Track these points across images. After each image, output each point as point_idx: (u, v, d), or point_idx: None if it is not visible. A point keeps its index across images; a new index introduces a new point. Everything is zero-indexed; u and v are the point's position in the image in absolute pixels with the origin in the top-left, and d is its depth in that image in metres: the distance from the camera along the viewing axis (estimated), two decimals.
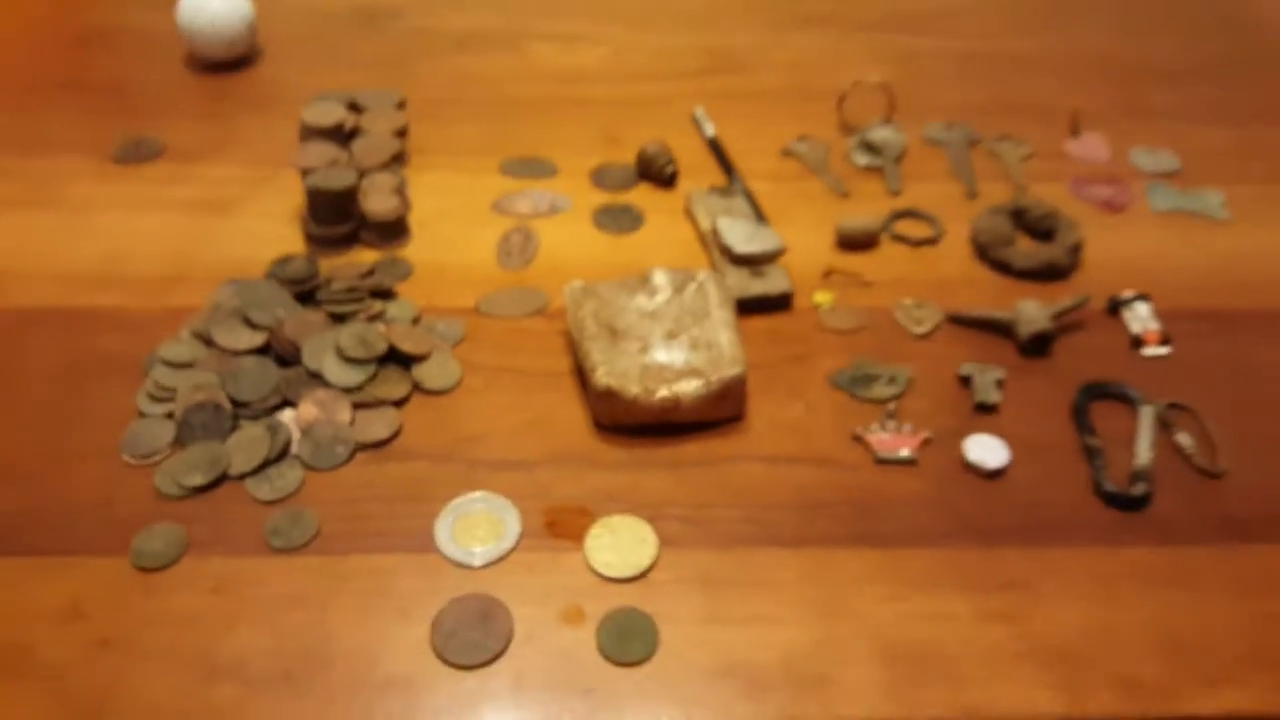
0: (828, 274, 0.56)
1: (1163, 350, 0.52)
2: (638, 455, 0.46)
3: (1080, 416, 0.48)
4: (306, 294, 0.50)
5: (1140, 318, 0.54)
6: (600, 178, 0.64)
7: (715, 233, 0.56)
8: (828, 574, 0.41)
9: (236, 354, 0.47)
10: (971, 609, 0.40)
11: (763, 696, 0.37)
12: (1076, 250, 0.56)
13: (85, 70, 0.72)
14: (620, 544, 0.42)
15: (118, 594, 0.39)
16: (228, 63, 0.72)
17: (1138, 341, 0.53)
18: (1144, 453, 0.46)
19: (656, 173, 0.63)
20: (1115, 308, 0.54)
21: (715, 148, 0.66)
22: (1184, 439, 0.47)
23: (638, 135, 0.67)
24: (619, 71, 0.74)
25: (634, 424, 0.46)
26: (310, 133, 0.61)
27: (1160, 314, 0.54)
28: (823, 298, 0.55)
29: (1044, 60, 0.77)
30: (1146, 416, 0.48)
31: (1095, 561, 0.42)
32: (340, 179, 0.54)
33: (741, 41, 0.78)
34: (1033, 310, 0.51)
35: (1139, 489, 0.45)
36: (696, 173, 0.64)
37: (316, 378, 0.46)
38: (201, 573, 0.40)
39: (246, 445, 0.43)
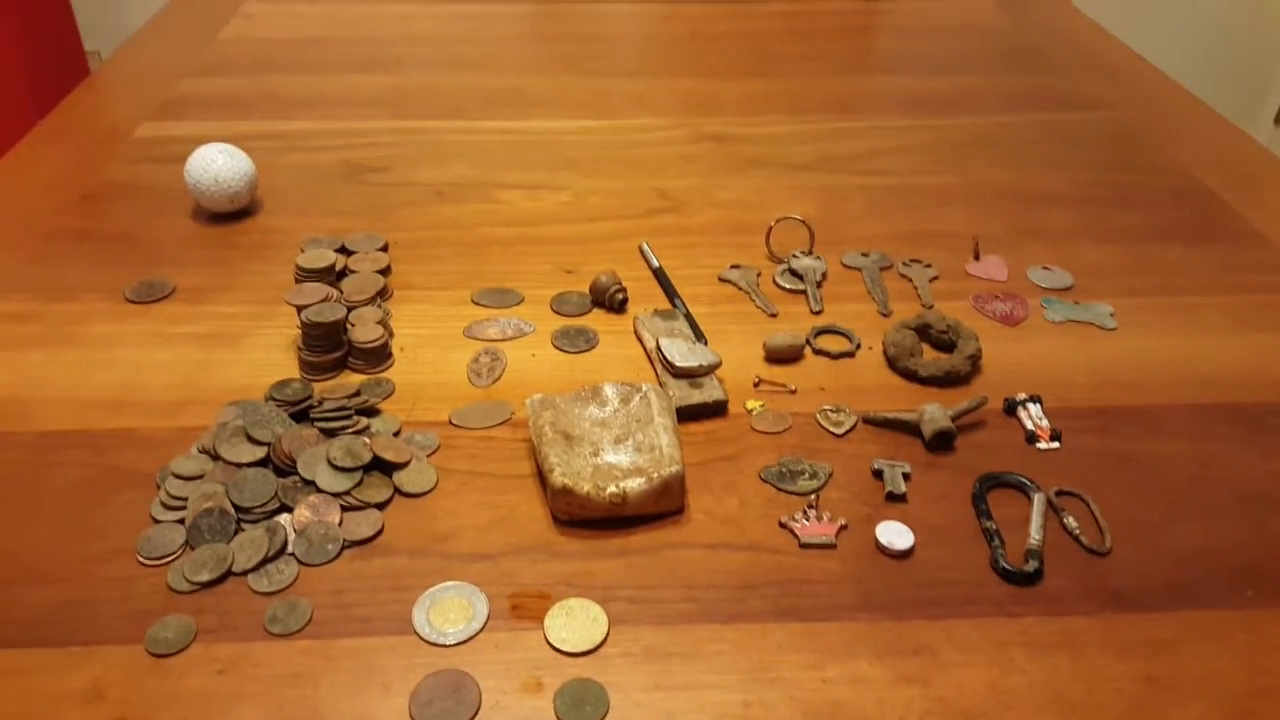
0: (757, 384, 0.64)
1: (1054, 445, 0.60)
2: (591, 545, 0.52)
3: (979, 503, 0.55)
4: (301, 413, 0.57)
5: (1033, 416, 0.61)
6: (559, 304, 0.72)
7: (659, 350, 0.64)
8: (757, 645, 0.47)
9: (240, 466, 0.53)
10: (883, 673, 0.46)
11: None
12: (975, 359, 0.65)
13: (101, 222, 0.79)
14: (575, 623, 0.47)
15: (134, 677, 0.44)
16: (231, 214, 0.81)
17: (1031, 437, 0.60)
18: (1036, 533, 0.53)
19: (608, 299, 0.71)
20: (1011, 408, 0.62)
21: (659, 276, 0.74)
22: (1071, 521, 0.54)
23: (592, 267, 0.75)
24: (577, 214, 0.83)
25: (587, 518, 0.53)
26: (305, 274, 0.69)
27: (1052, 413, 0.62)
28: (753, 404, 0.62)
29: (953, 194, 0.87)
30: (1038, 502, 0.55)
31: (993, 630, 0.48)
32: (332, 313, 0.62)
33: (687, 184, 0.88)
34: (935, 411, 0.59)
35: (1031, 565, 0.51)
36: (644, 299, 0.72)
37: (310, 485, 0.53)
38: (209, 657, 0.45)
39: (248, 545, 0.49)
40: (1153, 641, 0.47)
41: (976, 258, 0.78)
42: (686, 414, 0.60)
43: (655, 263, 0.76)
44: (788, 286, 0.74)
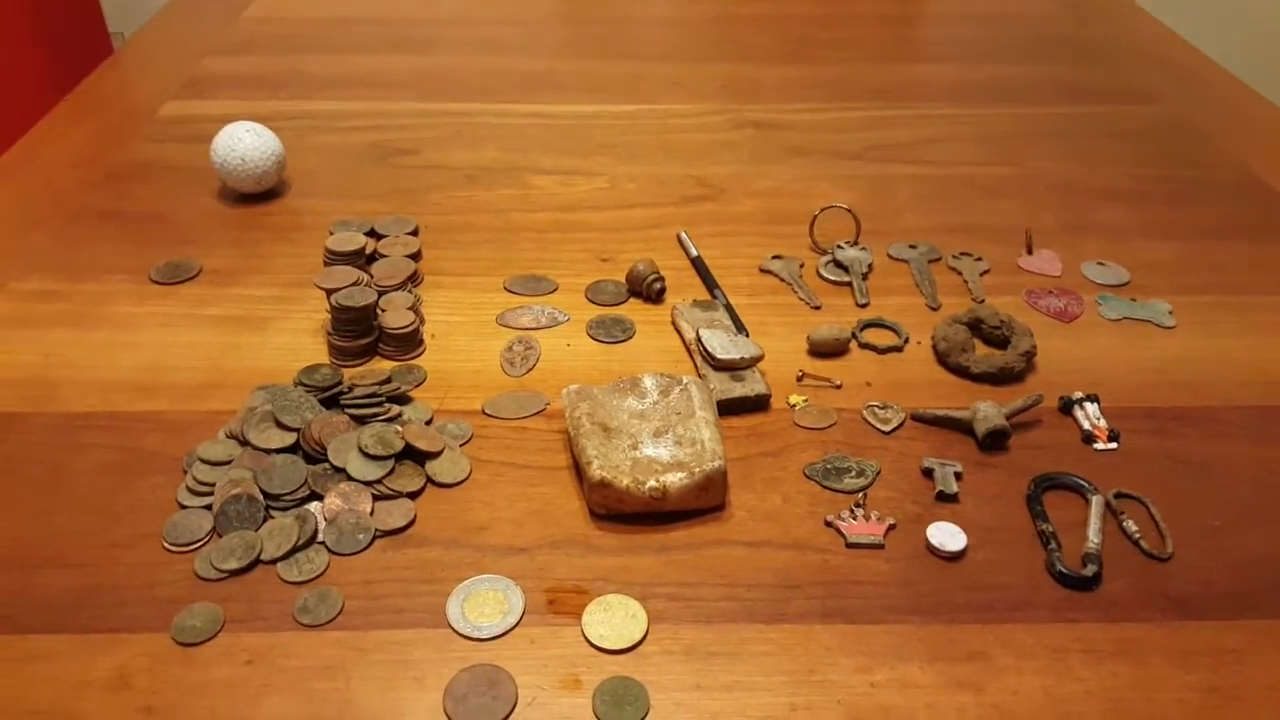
0: (800, 378, 0.62)
1: (1111, 446, 0.57)
2: (629, 541, 0.50)
3: (1034, 504, 0.52)
4: (331, 399, 0.56)
5: (1090, 416, 0.59)
6: (595, 293, 0.70)
7: (699, 341, 0.62)
8: (802, 647, 0.45)
9: (269, 452, 0.52)
10: (934, 678, 0.44)
11: None
12: (1029, 356, 0.62)
13: (127, 202, 0.78)
14: (613, 619, 0.45)
15: (160, 666, 0.43)
16: (258, 195, 0.80)
17: (1089, 437, 0.57)
18: (1094, 537, 0.51)
19: (645, 289, 0.69)
20: (1067, 407, 0.59)
21: (698, 265, 0.72)
22: (1131, 525, 0.52)
23: (629, 256, 0.73)
24: (613, 200, 0.81)
25: (626, 512, 0.51)
26: (334, 257, 0.67)
27: (1109, 413, 0.59)
28: (796, 399, 0.60)
29: (1005, 186, 0.84)
30: (1096, 504, 0.52)
31: (1049, 636, 0.46)
32: (362, 297, 0.61)
33: (727, 172, 0.86)
34: (989, 409, 0.57)
35: (1090, 570, 0.49)
36: (682, 289, 0.70)
37: (341, 472, 0.51)
38: (237, 647, 0.44)
39: (278, 533, 0.48)
40: (1216, 650, 0.45)
41: (1029, 251, 0.75)
42: (727, 408, 0.58)
43: (694, 252, 0.74)
44: (832, 278, 0.72)
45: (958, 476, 0.54)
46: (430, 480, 0.52)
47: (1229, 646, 0.45)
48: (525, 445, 0.56)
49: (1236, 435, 0.58)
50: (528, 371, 0.62)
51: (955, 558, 0.49)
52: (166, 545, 0.48)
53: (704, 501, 0.51)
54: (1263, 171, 0.87)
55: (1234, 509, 0.53)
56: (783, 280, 0.72)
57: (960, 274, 0.73)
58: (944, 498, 0.53)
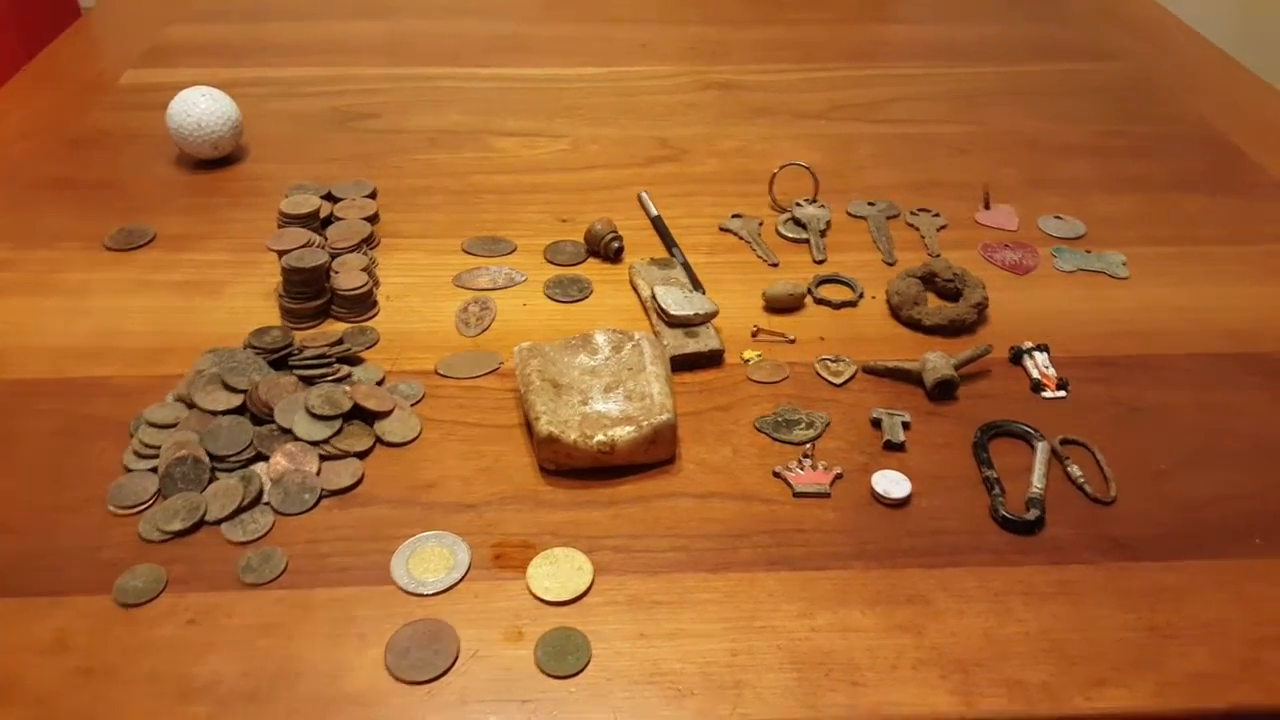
0: (755, 333, 0.62)
1: (1061, 394, 0.57)
2: (579, 496, 0.50)
3: (980, 451, 0.53)
4: (281, 361, 0.55)
5: (1039, 365, 0.59)
6: (553, 254, 0.69)
7: (654, 298, 0.62)
8: (747, 594, 0.45)
9: (215, 414, 0.52)
10: (875, 622, 0.44)
11: (682, 702, 0.41)
12: (981, 307, 0.62)
13: (81, 169, 0.78)
14: (559, 572, 0.46)
15: (101, 628, 0.43)
16: (214, 161, 0.79)
17: (1037, 386, 0.58)
18: (1038, 482, 0.51)
19: (603, 248, 0.69)
20: (1017, 357, 0.60)
21: (657, 225, 0.72)
22: (1075, 470, 0.52)
23: (589, 217, 0.73)
24: (575, 162, 0.81)
25: (576, 468, 0.51)
26: (288, 220, 0.67)
27: (1060, 362, 0.60)
28: (751, 355, 0.60)
29: (965, 143, 0.84)
30: (1041, 451, 0.53)
31: (990, 579, 0.46)
32: (312, 259, 0.60)
33: (691, 133, 0.86)
34: (937, 360, 0.57)
35: (1032, 514, 0.49)
36: (641, 249, 0.70)
37: (287, 433, 0.51)
38: (179, 607, 0.44)
39: (223, 494, 0.48)
40: (1156, 590, 0.46)
41: (987, 206, 0.75)
42: (681, 363, 0.58)
43: (654, 211, 0.73)
44: (791, 236, 0.71)
45: (906, 426, 0.54)
46: (379, 440, 0.52)
47: (1168, 586, 0.46)
48: (478, 404, 0.56)
49: (1184, 382, 0.58)
50: (483, 331, 0.62)
51: (900, 505, 0.50)
52: (112, 509, 0.48)
53: (653, 455, 0.52)
54: (1222, 126, 0.87)
55: (1179, 453, 0.53)
56: (742, 238, 0.71)
57: (918, 230, 0.72)
58: (891, 447, 0.53)
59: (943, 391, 0.56)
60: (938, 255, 0.69)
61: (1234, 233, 0.73)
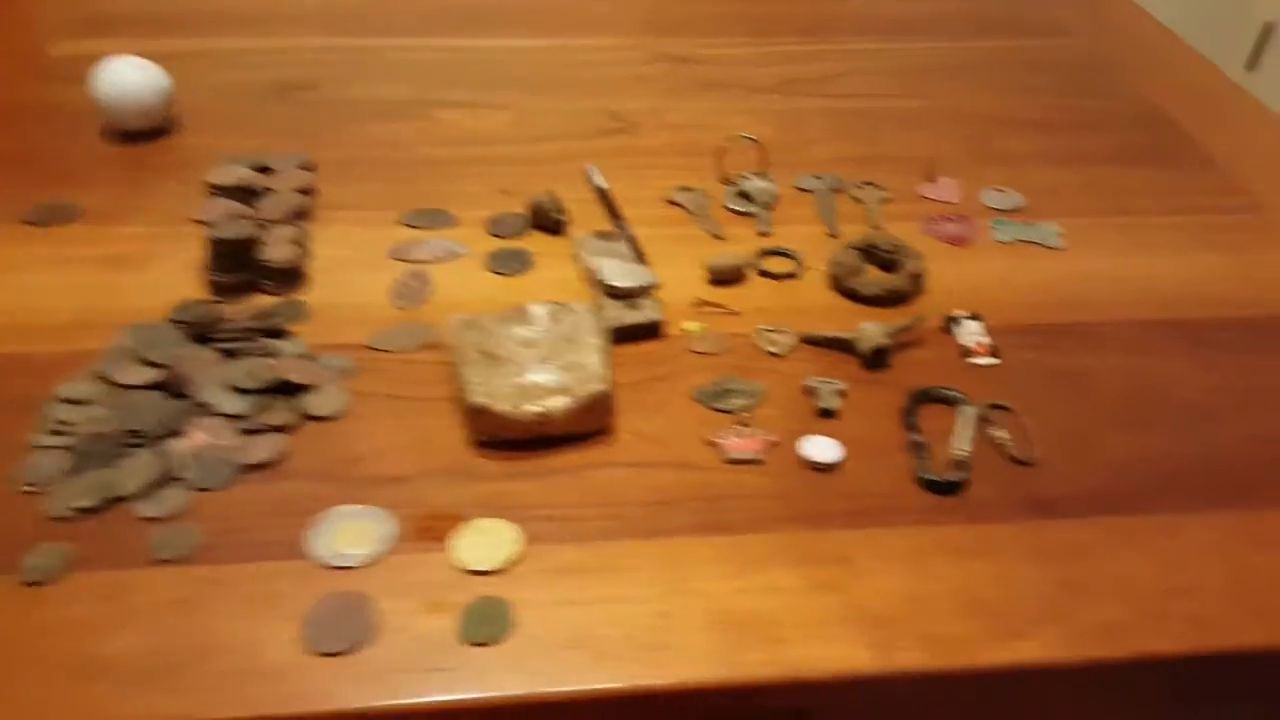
0: (698, 305, 0.61)
1: (993, 361, 0.58)
2: (512, 467, 0.50)
3: (908, 417, 0.53)
4: (204, 336, 0.54)
5: (971, 333, 0.59)
6: (496, 226, 0.68)
7: (594, 271, 0.61)
8: (676, 559, 0.45)
9: (131, 389, 0.50)
10: (800, 582, 0.44)
11: (606, 665, 0.40)
12: (918, 278, 0.62)
13: (7, 143, 0.75)
14: (487, 543, 0.45)
15: (5, 607, 0.41)
16: (144, 132, 0.77)
17: (968, 354, 0.58)
18: (962, 445, 0.51)
19: (547, 220, 0.68)
20: (950, 325, 0.60)
21: (603, 197, 0.71)
22: (1000, 433, 0.52)
23: (534, 189, 0.72)
24: (521, 134, 0.79)
25: (511, 439, 0.50)
26: (217, 191, 0.65)
27: (994, 330, 0.60)
28: (692, 326, 0.59)
29: (913, 118, 0.84)
30: (964, 415, 0.53)
31: (914, 539, 0.47)
32: (239, 230, 0.59)
33: (640, 106, 0.85)
34: (871, 330, 0.57)
35: (955, 476, 0.49)
36: (587, 222, 0.69)
37: (207, 408, 0.50)
38: (89, 584, 0.42)
39: (137, 470, 0.46)
40: (1072, 546, 0.47)
41: (931, 180, 0.75)
42: (622, 335, 0.58)
43: (600, 183, 0.72)
44: (738, 209, 0.71)
45: (841, 394, 0.54)
46: (305, 415, 0.51)
47: (1084, 542, 0.47)
48: (411, 377, 0.55)
49: (1112, 347, 0.59)
50: (420, 304, 0.61)
51: (829, 469, 0.50)
52: (24, 487, 0.47)
53: (588, 425, 0.51)
54: (1166, 103, 0.88)
55: (1103, 416, 0.54)
56: (689, 211, 0.71)
57: (863, 203, 0.72)
58: (825, 414, 0.53)
59: (877, 360, 0.56)
60: (879, 228, 0.69)
61: (1168, 204, 0.73)
